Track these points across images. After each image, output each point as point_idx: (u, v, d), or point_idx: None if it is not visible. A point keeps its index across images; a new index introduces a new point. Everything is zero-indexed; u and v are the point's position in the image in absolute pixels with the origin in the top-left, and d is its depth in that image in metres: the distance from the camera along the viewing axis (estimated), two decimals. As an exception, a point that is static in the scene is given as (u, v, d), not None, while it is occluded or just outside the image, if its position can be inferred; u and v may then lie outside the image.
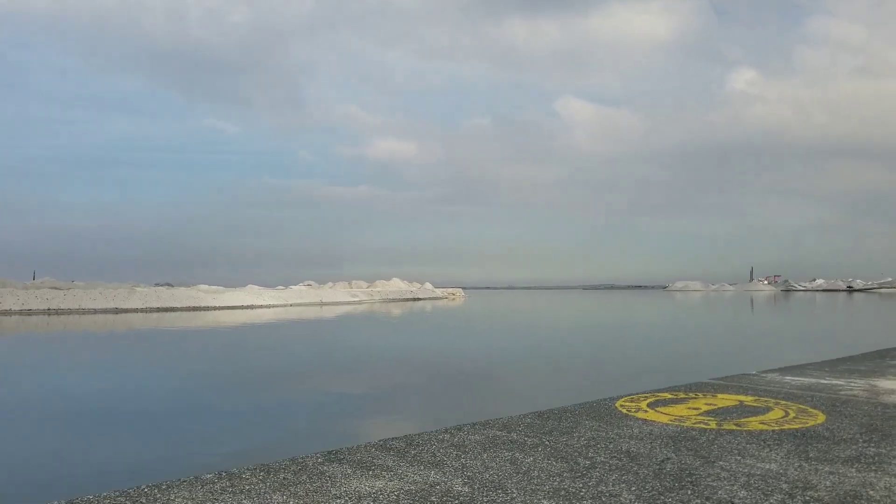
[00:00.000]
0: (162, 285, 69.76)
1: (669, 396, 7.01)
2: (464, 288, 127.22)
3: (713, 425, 5.66)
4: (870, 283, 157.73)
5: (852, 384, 8.02)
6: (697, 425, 5.67)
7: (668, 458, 4.60)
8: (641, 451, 4.80)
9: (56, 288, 59.75)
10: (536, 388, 13.95)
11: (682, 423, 5.72)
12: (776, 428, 5.58)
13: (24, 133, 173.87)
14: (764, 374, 8.74)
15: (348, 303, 75.06)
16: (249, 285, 71.41)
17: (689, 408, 6.41)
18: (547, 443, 5.01)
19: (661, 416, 5.99)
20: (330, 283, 79.90)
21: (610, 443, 5.03)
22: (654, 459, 4.57)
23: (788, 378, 8.46)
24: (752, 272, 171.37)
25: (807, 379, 8.42)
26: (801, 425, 5.68)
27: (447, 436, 5.21)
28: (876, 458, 4.64)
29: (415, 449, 4.82)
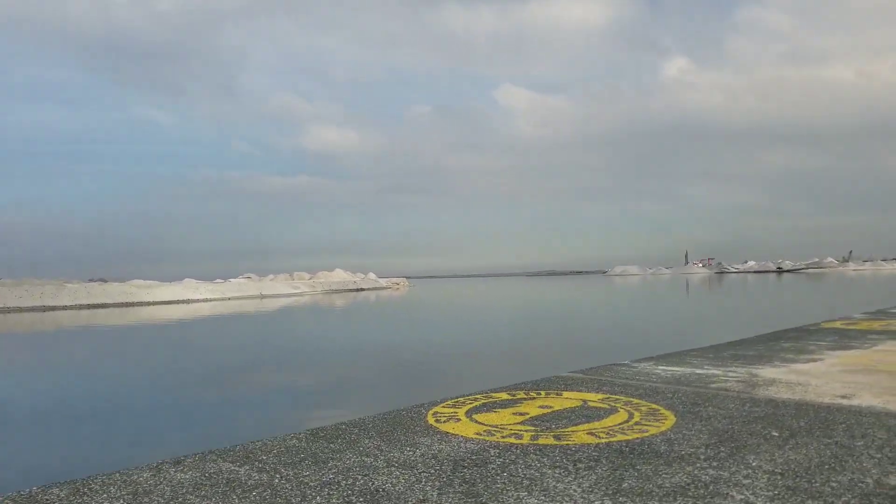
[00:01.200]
0: (95, 281, 66.66)
1: (505, 397, 5.64)
2: (409, 277, 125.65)
3: (526, 439, 4.30)
4: (798, 263, 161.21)
5: (730, 374, 6.78)
6: (507, 439, 4.30)
7: (425, 501, 3.19)
8: (397, 488, 3.39)
9: (-22, 286, 56.42)
10: (374, 390, 12.57)
11: (489, 438, 4.34)
12: (604, 440, 4.24)
13: None
14: (635, 364, 7.45)
15: (289, 295, 72.89)
16: (186, 279, 68.77)
17: (515, 413, 5.05)
18: (277, 481, 3.55)
19: (469, 428, 4.60)
20: (271, 276, 77.53)
21: (365, 476, 3.60)
22: (397, 504, 3.16)
23: (661, 368, 7.19)
24: (686, 255, 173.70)
25: (682, 368, 7.16)
26: (638, 434, 4.36)
27: (146, 474, 3.71)
28: (710, 487, 3.32)
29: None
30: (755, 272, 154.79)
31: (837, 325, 11.94)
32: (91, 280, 65.93)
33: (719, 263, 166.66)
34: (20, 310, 52.42)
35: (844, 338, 9.98)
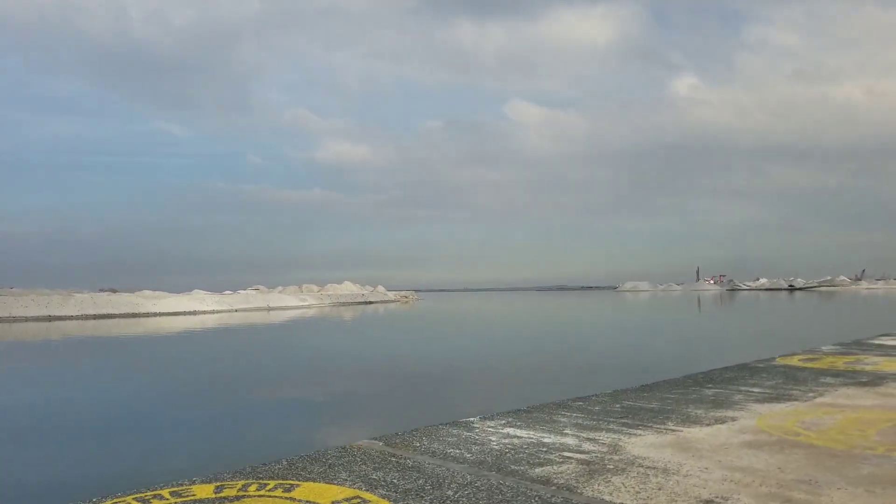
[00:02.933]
0: (106, 291, 65.63)
1: (206, 495, 3.72)
2: (418, 290, 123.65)
3: None
4: (810, 281, 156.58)
5: (585, 446, 4.81)
6: None
7: None
8: None
9: (-14, 295, 55.51)
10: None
11: None
12: None
13: None
14: (477, 424, 5.48)
15: (296, 307, 71.36)
16: (195, 290, 67.54)
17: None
18: None
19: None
20: (279, 288, 76.03)
21: None
22: None
23: (507, 431, 5.24)
24: (698, 272, 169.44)
25: (532, 434, 5.20)
26: None
27: None
28: None
29: None
30: (767, 290, 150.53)
31: (795, 360, 9.84)
32: (101, 290, 64.86)
33: (731, 280, 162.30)
34: (25, 319, 51.35)
35: (789, 381, 7.92)
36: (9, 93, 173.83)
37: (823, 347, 11.68)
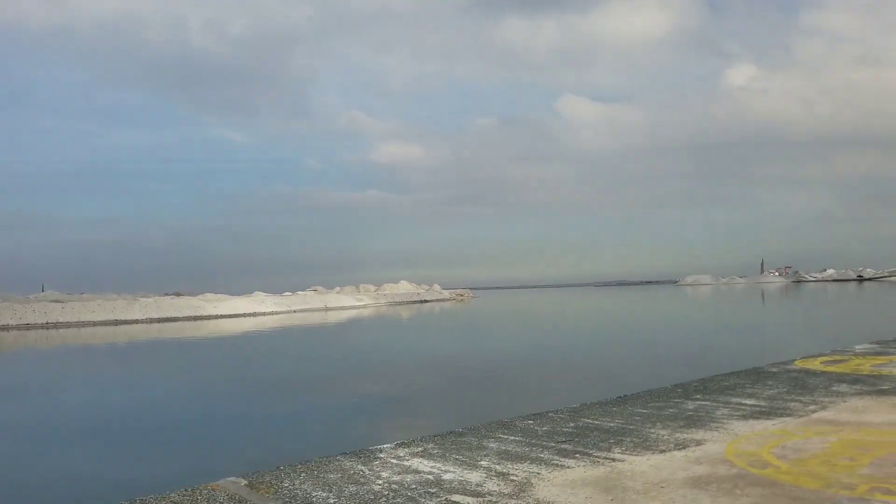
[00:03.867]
0: (171, 294, 67.13)
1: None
2: (474, 288, 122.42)
3: None
4: (880, 271, 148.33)
5: (487, 485, 3.88)
6: None
7: None
8: None
9: (57, 301, 57.39)
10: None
11: None
12: None
13: (33, 147, 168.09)
14: (383, 452, 4.60)
15: (353, 307, 71.49)
16: (256, 292, 68.39)
17: None
18: None
19: None
20: (337, 288, 76.25)
21: None
22: None
23: (414, 462, 4.35)
24: (762, 264, 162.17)
25: (436, 467, 4.29)
26: None
27: None
28: None
29: None
30: (834, 280, 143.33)
31: (816, 363, 8.58)
32: (167, 294, 66.35)
33: (796, 272, 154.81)
34: (93, 324, 52.81)
35: (795, 390, 6.74)
36: (76, 105, 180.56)
37: (857, 346, 10.29)
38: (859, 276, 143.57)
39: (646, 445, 4.73)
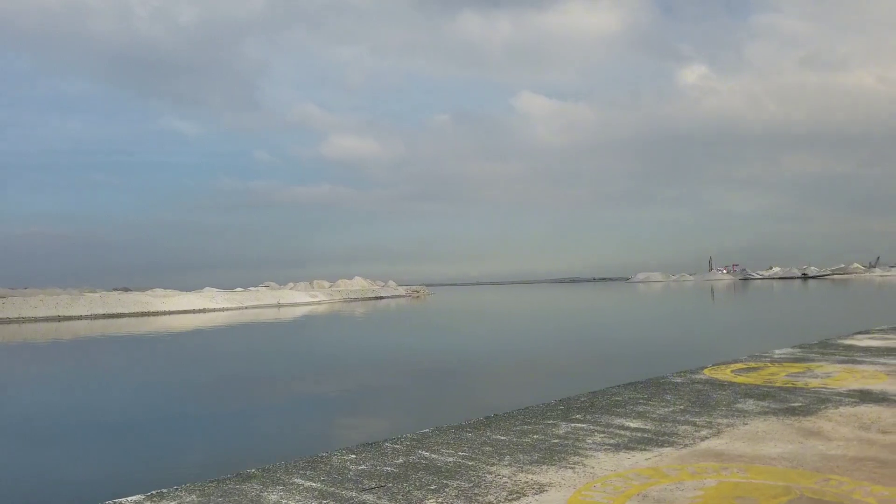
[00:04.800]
0: (119, 290, 64.53)
1: None
2: (430, 285, 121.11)
3: None
4: (823, 269, 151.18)
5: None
6: None
7: None
8: None
9: (-2, 297, 54.53)
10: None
11: None
12: None
13: None
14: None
15: (307, 303, 69.72)
16: (207, 288, 66.19)
17: None
18: None
19: None
20: (290, 284, 74.26)
21: None
22: None
23: None
24: (711, 261, 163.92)
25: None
26: None
27: None
28: None
29: None
30: (780, 278, 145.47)
31: (726, 372, 7.53)
32: (115, 289, 63.75)
33: (744, 270, 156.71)
34: (35, 319, 50.19)
35: (692, 408, 5.65)
36: (17, 93, 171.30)
37: (776, 351, 9.29)
38: (804, 275, 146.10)
39: (471, 495, 3.55)
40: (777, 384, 6.71)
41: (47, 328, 41.95)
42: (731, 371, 7.58)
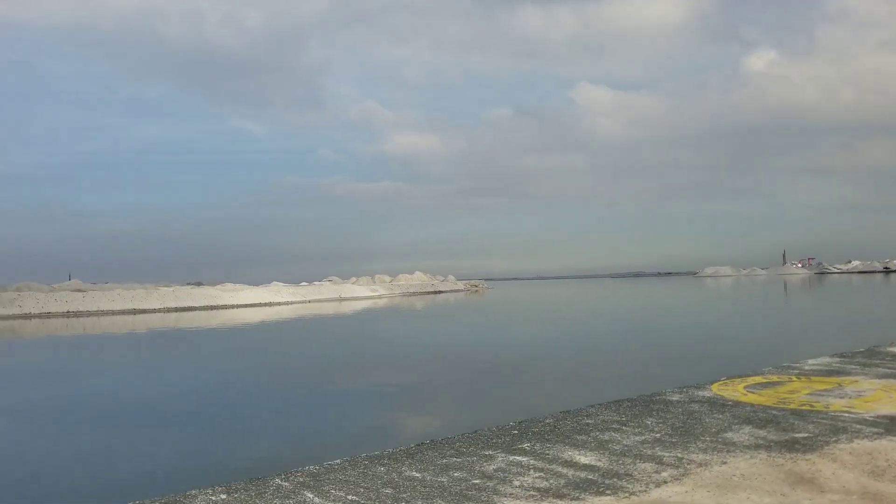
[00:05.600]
0: (192, 284, 66.38)
1: None
2: (489, 279, 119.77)
3: None
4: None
5: None
6: None
7: None
8: None
9: (79, 290, 56.93)
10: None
11: None
12: None
13: (57, 140, 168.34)
14: None
15: (367, 297, 70.01)
16: (274, 282, 67.31)
17: None
18: None
19: None
20: (353, 279, 74.76)
21: None
22: None
23: None
24: (784, 255, 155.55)
25: None
26: None
27: None
28: None
29: None
30: (860, 272, 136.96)
31: (738, 388, 6.41)
32: (188, 283, 65.61)
33: (820, 263, 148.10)
34: (112, 313, 52.06)
35: (675, 434, 4.64)
36: (98, 98, 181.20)
37: (810, 360, 8.02)
38: (886, 268, 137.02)
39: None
40: (791, 405, 5.58)
41: (124, 321, 43.32)
42: (745, 387, 6.45)
